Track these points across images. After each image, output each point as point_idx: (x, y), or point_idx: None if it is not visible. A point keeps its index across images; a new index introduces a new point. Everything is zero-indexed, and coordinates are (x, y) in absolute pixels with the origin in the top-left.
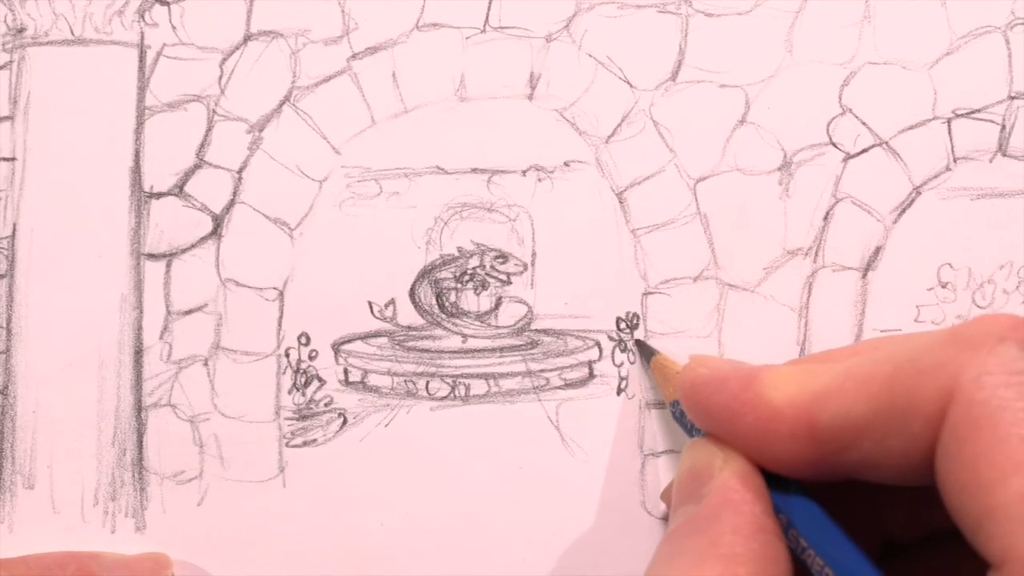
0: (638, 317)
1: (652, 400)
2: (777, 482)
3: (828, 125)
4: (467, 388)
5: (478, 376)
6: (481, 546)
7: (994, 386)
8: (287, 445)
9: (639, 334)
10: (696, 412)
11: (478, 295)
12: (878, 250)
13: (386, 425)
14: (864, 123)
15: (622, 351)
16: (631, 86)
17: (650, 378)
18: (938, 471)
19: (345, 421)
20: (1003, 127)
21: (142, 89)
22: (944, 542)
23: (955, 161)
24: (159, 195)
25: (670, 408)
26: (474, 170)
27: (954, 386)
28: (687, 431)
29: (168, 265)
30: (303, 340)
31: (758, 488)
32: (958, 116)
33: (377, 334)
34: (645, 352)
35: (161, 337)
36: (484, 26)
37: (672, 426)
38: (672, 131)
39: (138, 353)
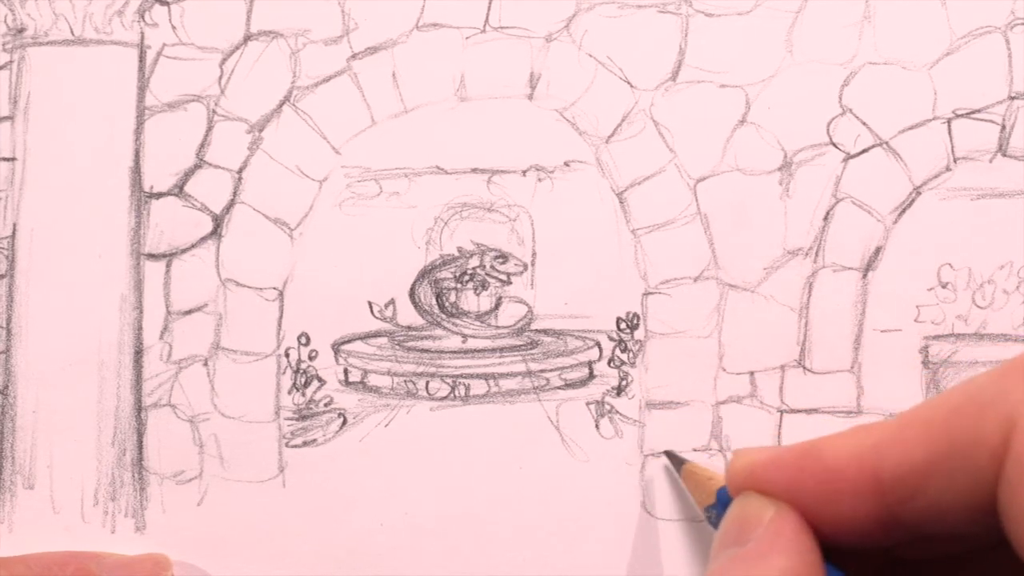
0: (638, 317)
1: (653, 400)
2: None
3: (828, 125)
4: (467, 388)
5: (478, 376)
6: (481, 546)
7: None
8: (287, 445)
9: (639, 334)
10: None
11: (478, 295)
12: (878, 250)
13: (386, 425)
14: (864, 123)
15: (622, 351)
16: (631, 86)
17: (682, 487)
18: (1002, 504)
19: (345, 421)
20: (1003, 127)
21: (142, 89)
22: (957, 560)
23: (955, 161)
24: (159, 195)
25: (705, 515)
26: (474, 170)
27: (1016, 415)
28: None
29: (168, 265)
30: (303, 340)
31: (810, 535)
32: (958, 116)
33: (377, 334)
34: (675, 462)
35: (161, 337)
36: (484, 26)
37: (672, 430)
38: (672, 131)
39: (138, 353)
